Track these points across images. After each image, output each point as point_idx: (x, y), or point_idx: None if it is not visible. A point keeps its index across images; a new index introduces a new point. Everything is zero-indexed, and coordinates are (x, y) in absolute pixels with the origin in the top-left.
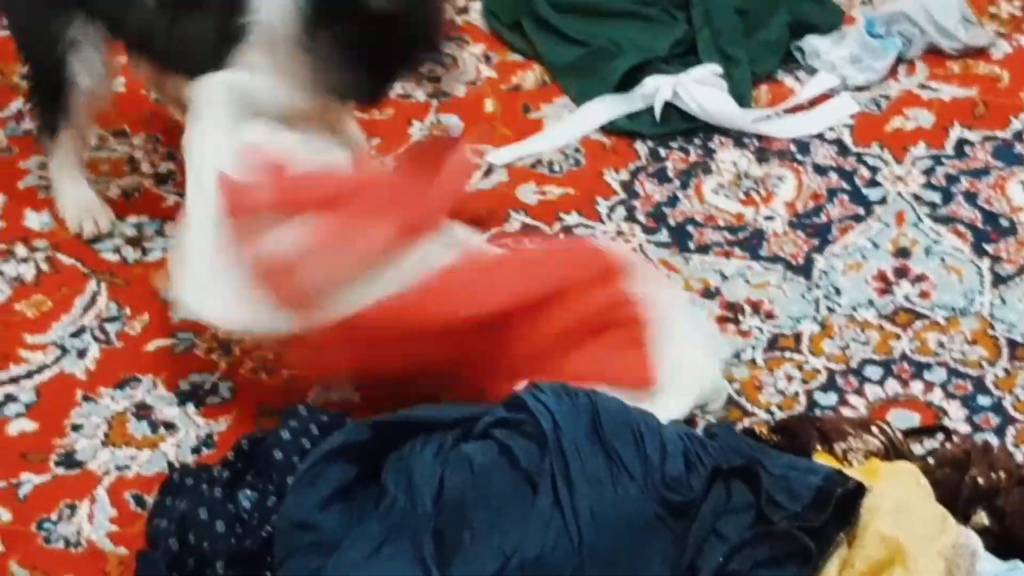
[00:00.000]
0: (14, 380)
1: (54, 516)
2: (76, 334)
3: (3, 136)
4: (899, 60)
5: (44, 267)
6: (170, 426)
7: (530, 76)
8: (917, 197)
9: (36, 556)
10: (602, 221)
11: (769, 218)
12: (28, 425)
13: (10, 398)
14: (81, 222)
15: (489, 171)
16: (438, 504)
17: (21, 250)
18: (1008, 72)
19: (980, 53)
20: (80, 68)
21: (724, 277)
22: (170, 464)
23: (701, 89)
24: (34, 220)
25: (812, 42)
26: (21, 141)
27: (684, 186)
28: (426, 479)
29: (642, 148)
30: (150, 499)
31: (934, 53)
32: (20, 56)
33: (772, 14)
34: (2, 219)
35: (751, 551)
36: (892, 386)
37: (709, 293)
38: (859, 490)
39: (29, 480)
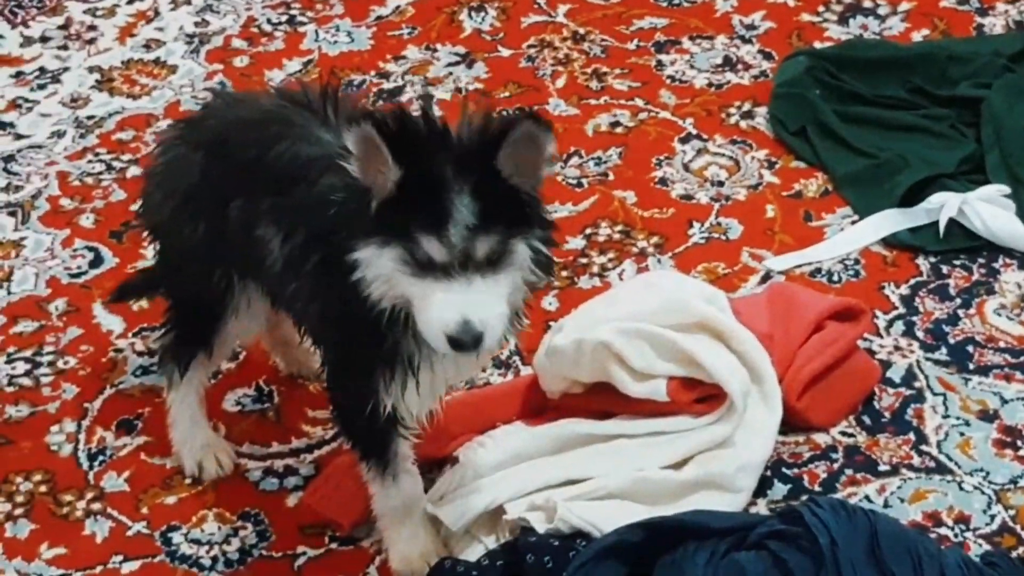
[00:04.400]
0: (295, 453)
1: None
2: None
3: None
4: None
5: None
6: None
7: (813, 184)
8: None
9: None
10: (880, 335)
11: None
12: (303, 499)
13: (290, 471)
14: (202, 462)
15: (767, 277)
16: None
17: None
18: None
19: None
20: (233, 315)
21: (1004, 400)
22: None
23: (988, 208)
24: None
25: None
26: None
27: (966, 305)
28: None
29: (924, 264)
30: None
31: None
32: (167, 290)
33: None
34: None
35: None
36: None
37: (987, 416)
38: None
39: (305, 553)
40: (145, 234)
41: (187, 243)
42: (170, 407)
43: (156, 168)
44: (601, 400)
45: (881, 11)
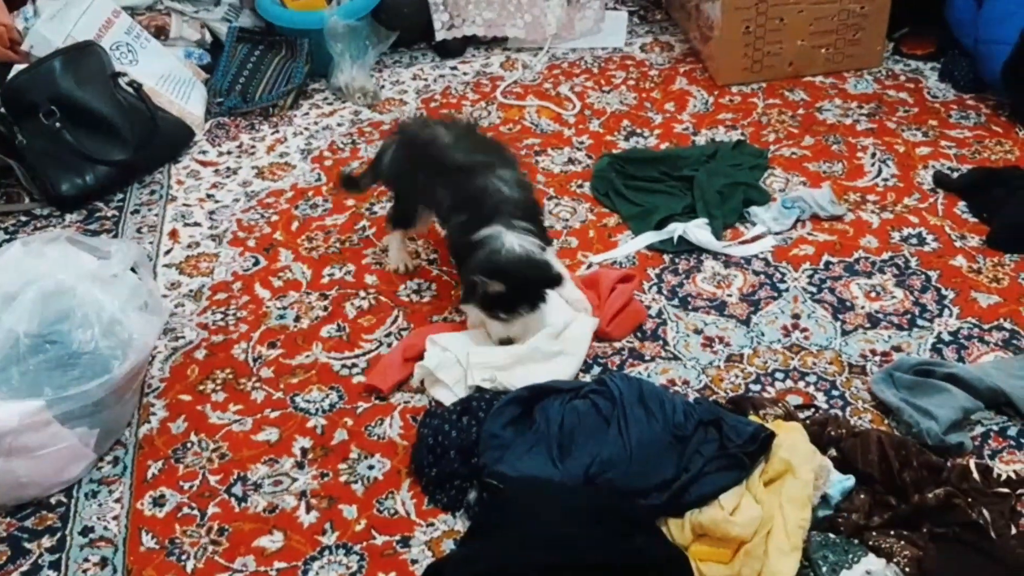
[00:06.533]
0: (356, 356)
1: (373, 424)
2: (387, 335)
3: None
4: (798, 220)
5: (372, 302)
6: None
7: (612, 220)
8: (805, 289)
9: (364, 443)
10: (645, 292)
11: (729, 296)
12: (363, 378)
13: (354, 366)
14: (397, 265)
15: (591, 266)
16: (560, 430)
17: (362, 293)
18: (852, 228)
19: (839, 219)
20: (418, 217)
21: (706, 323)
22: (430, 402)
23: (697, 230)
24: (370, 279)
25: (754, 209)
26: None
27: (687, 277)
28: (555, 417)
29: (666, 257)
30: (418, 418)
31: (815, 218)
32: (396, 195)
33: (734, 195)
34: (354, 277)
35: (716, 463)
36: (788, 383)
37: (698, 331)
38: (772, 435)
39: (362, 406)
40: (379, 179)
41: (404, 184)
42: (391, 241)
43: (389, 151)
44: None
45: (645, 135)
